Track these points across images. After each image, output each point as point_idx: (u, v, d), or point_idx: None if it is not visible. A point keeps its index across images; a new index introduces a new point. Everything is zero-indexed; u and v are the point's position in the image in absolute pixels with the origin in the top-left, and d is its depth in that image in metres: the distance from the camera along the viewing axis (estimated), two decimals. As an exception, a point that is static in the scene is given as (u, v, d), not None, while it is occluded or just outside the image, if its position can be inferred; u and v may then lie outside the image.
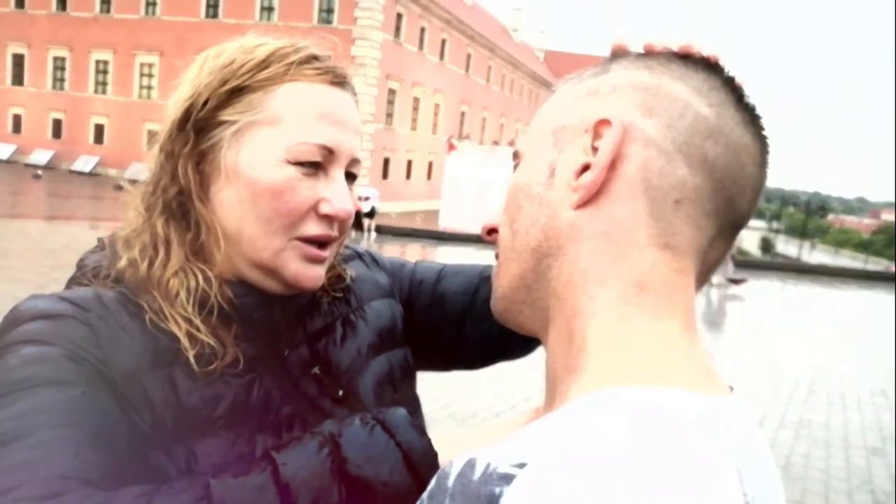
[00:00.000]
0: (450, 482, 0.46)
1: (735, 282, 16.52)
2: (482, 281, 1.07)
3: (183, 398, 0.75)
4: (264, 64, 0.81)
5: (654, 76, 0.57)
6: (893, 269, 26.96)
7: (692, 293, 0.56)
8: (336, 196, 0.82)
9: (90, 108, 42.99)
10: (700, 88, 0.56)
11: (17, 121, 44.55)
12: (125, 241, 0.83)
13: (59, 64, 43.92)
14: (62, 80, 44.06)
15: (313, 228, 0.82)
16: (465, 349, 1.08)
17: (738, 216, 0.58)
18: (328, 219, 0.82)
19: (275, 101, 0.80)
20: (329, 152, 0.81)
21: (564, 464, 0.41)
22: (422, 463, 0.69)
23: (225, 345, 0.79)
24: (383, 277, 1.06)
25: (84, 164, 40.26)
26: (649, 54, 0.60)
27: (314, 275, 0.83)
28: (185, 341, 0.76)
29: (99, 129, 42.81)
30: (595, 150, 0.55)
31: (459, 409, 5.75)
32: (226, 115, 0.80)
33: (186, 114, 0.81)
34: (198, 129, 0.81)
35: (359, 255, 1.07)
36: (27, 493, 0.58)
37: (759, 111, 0.58)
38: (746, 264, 20.61)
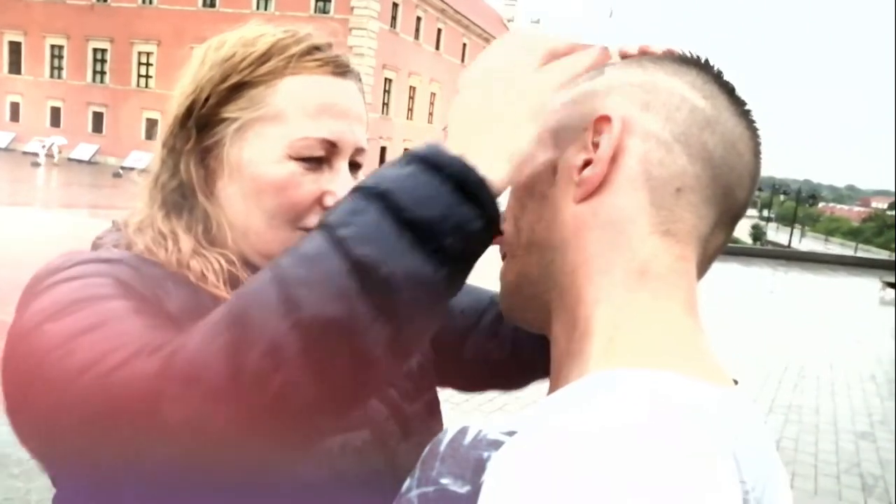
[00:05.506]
0: (442, 447, 0.47)
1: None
2: (490, 304, 1.06)
3: None
4: (265, 57, 0.80)
5: (649, 73, 0.60)
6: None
7: (694, 279, 0.58)
8: (340, 189, 0.80)
9: (88, 96, 42.70)
10: (694, 82, 0.59)
11: (14, 109, 44.22)
12: (137, 228, 0.82)
13: (57, 52, 43.62)
14: (60, 68, 43.74)
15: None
16: (462, 368, 1.08)
17: (737, 205, 0.59)
18: None
19: (276, 95, 0.79)
20: (332, 145, 0.81)
21: (551, 433, 0.42)
22: (478, 192, 0.54)
23: None
24: None
25: (83, 152, 40.04)
26: (642, 55, 0.64)
27: None
28: None
29: (98, 118, 42.57)
30: (595, 146, 0.57)
31: (454, 394, 5.84)
32: (228, 112, 0.80)
33: (188, 110, 0.81)
34: (200, 125, 0.81)
35: None
36: (131, 349, 0.58)
37: (748, 105, 0.61)
38: (737, 252, 20.65)
